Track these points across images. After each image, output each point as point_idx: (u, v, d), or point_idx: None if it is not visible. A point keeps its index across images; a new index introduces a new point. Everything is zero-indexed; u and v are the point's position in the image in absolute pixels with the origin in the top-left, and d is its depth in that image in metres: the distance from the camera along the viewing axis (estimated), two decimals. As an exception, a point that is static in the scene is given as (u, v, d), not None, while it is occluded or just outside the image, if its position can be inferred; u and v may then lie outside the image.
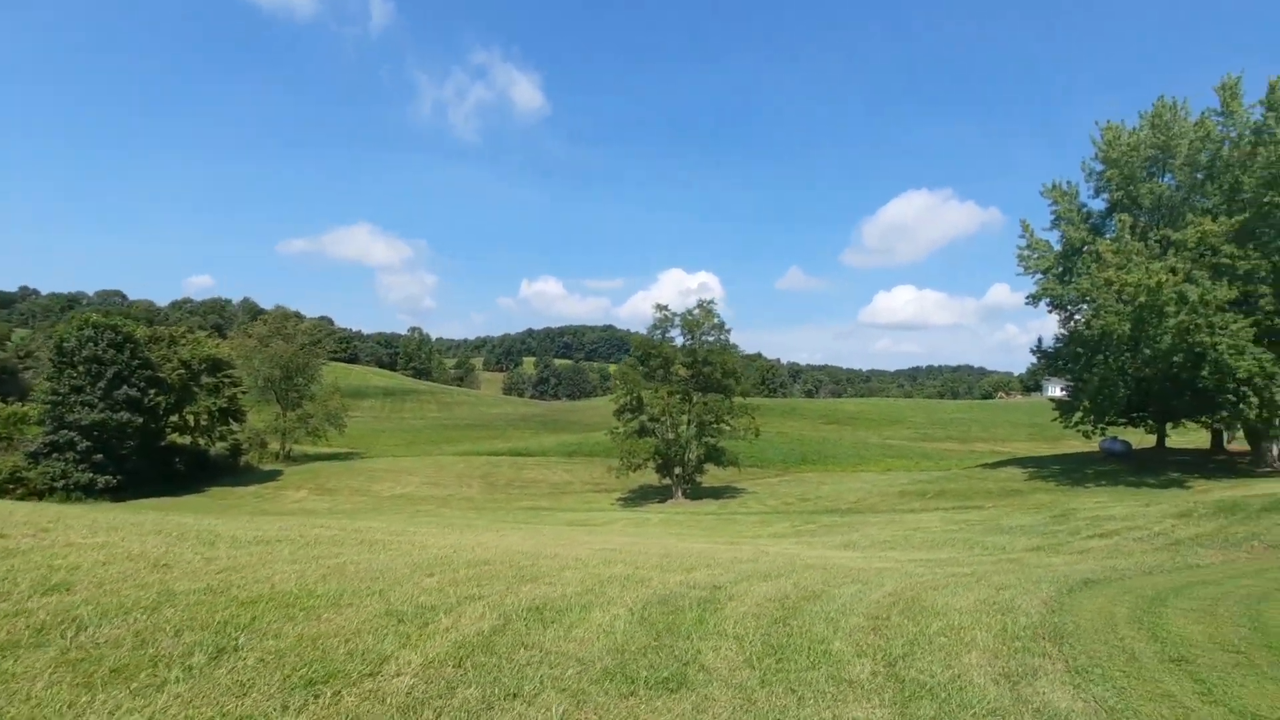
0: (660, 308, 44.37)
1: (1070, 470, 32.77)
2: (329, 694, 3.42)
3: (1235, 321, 24.36)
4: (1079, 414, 30.97)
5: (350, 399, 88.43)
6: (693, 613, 5.79)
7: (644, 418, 41.36)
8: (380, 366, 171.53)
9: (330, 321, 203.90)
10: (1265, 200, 24.72)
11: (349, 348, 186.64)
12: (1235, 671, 5.78)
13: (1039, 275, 32.31)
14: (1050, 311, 33.31)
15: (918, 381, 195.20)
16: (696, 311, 43.41)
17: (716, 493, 41.87)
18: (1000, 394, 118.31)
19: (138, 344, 43.42)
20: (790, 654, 4.88)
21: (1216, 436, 33.29)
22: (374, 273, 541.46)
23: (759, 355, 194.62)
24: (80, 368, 39.99)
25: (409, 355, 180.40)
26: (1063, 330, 33.20)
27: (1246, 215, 25.46)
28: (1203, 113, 29.34)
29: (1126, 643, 6.49)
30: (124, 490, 39.81)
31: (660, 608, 5.90)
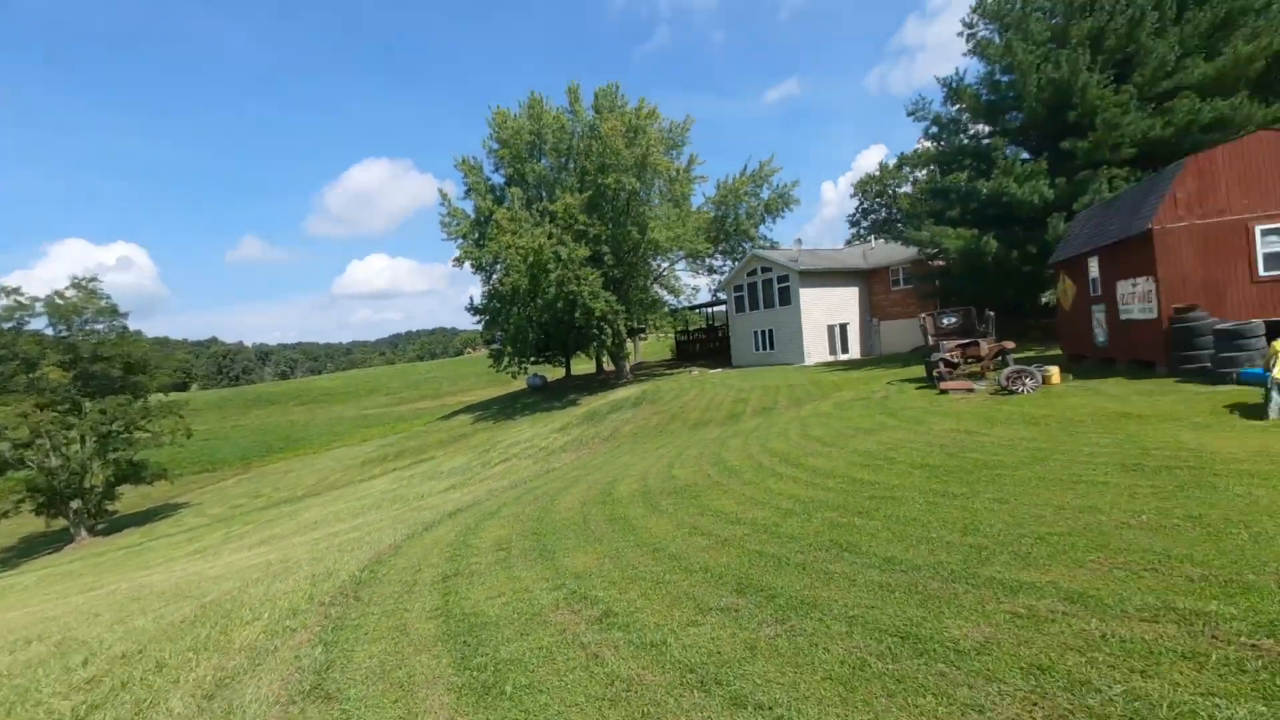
0: (8, 292, 32.33)
1: (506, 407, 38.32)
2: None
3: (591, 274, 31.98)
4: (505, 358, 36.22)
5: None
6: None
7: (2, 446, 29.89)
8: None
9: None
10: (600, 182, 32.78)
11: None
12: (492, 569, 6.99)
13: (460, 240, 35.85)
14: (475, 273, 37.58)
15: (399, 348, 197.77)
16: (71, 294, 33.02)
17: (146, 517, 33.81)
18: (469, 349, 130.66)
19: None
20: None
21: (598, 362, 43.99)
22: None
23: (214, 340, 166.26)
24: None
25: None
26: (487, 288, 37.91)
27: (590, 193, 33.37)
28: (557, 110, 36.87)
29: (419, 575, 7.17)
30: None
31: None
